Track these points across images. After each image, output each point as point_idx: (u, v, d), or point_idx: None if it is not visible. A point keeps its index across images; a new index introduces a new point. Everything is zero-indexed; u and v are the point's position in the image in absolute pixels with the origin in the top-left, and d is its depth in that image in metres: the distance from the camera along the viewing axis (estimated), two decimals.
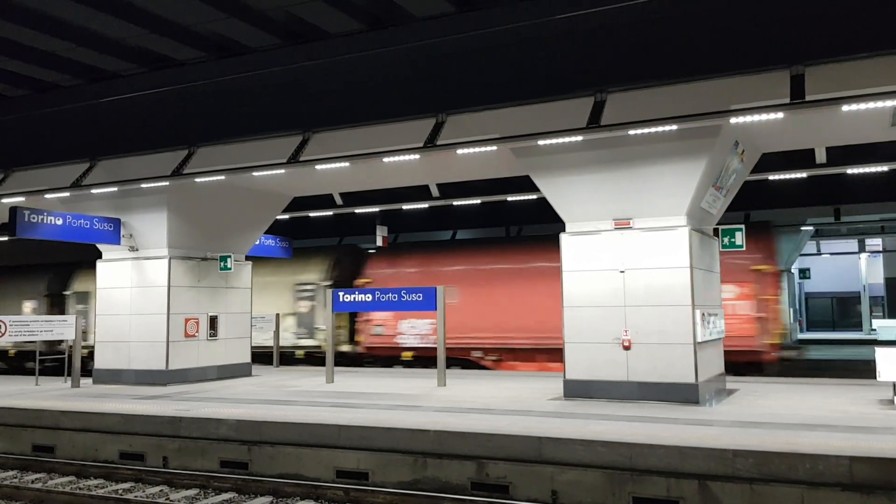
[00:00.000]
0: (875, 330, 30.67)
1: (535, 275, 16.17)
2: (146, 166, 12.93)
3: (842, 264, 36.20)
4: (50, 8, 10.19)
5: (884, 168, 13.82)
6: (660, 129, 9.10)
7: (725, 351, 14.01)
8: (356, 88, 11.22)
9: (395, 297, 12.93)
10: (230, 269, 14.44)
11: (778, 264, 15.63)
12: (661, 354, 9.91)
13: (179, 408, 10.26)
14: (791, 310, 25.28)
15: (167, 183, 12.57)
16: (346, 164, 11.00)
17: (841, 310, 38.01)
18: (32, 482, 8.98)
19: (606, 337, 10.27)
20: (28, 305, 21.20)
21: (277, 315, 17.87)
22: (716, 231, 11.18)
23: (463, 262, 17.32)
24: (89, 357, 17.61)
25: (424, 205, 18.45)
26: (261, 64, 11.68)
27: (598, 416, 8.93)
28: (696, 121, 8.98)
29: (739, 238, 10.93)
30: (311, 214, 21.37)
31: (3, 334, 13.94)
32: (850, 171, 14.24)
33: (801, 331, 35.44)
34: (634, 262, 10.20)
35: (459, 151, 10.25)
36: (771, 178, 15.51)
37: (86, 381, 14.62)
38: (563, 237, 10.75)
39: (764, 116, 8.62)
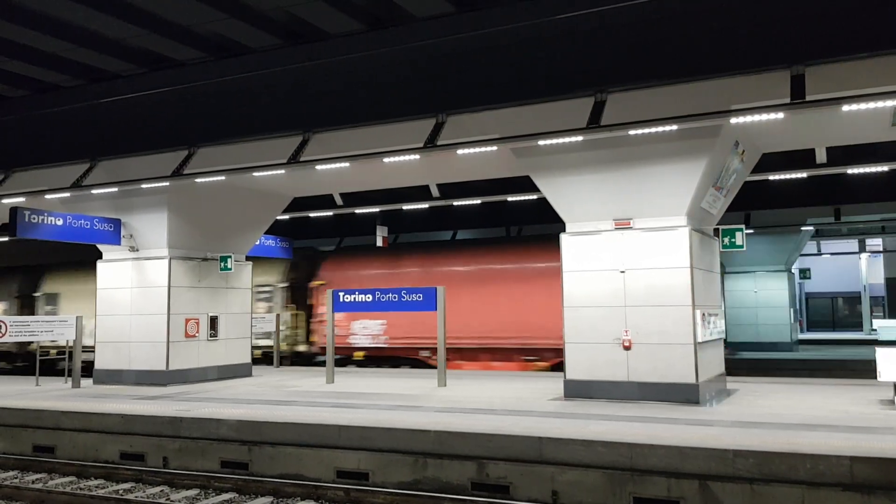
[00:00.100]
0: (875, 330, 30.66)
1: (480, 278, 16.79)
2: (146, 167, 12.93)
3: (842, 264, 36.19)
4: (50, 8, 10.19)
5: (884, 168, 13.82)
6: (660, 129, 9.10)
7: None
8: (356, 89, 11.23)
9: (395, 298, 12.93)
10: (230, 269, 14.44)
11: None
12: (662, 354, 9.91)
13: (180, 408, 10.26)
14: (791, 310, 25.32)
15: (167, 183, 12.57)
16: (347, 164, 11.00)
17: (841, 310, 38.01)
18: (33, 482, 8.98)
19: (607, 337, 10.27)
20: None
21: (277, 316, 17.88)
22: (716, 231, 11.18)
23: (411, 266, 17.99)
24: (62, 357, 17.79)
25: (425, 205, 18.46)
26: (261, 64, 11.68)
27: (599, 416, 8.92)
28: (696, 121, 8.98)
29: (740, 238, 10.93)
30: (312, 215, 21.37)
31: (3, 335, 13.95)
32: (850, 171, 14.24)
33: (802, 331, 35.44)
34: (635, 262, 10.20)
35: (460, 152, 10.25)
36: (771, 178, 15.52)
37: (86, 382, 14.62)
38: (564, 237, 10.74)
39: (764, 116, 8.62)
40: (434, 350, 16.64)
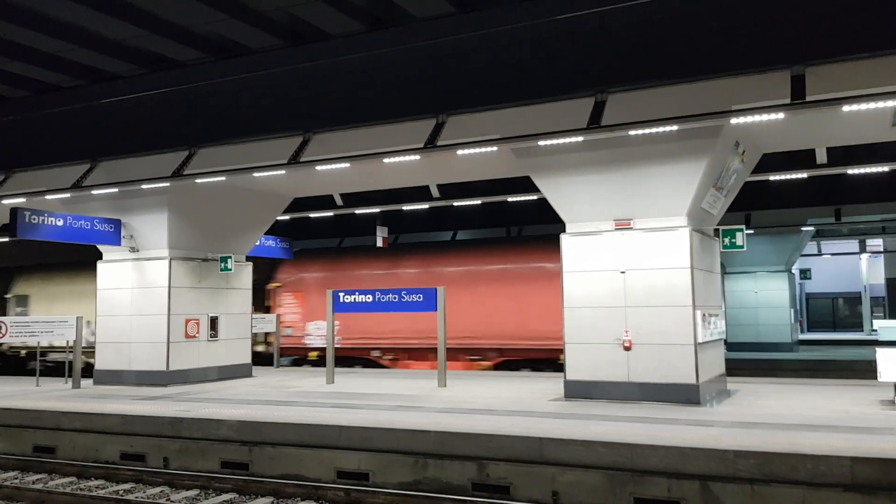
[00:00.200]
0: (876, 330, 30.64)
1: (429, 281, 17.37)
2: (147, 167, 12.93)
3: (843, 265, 36.18)
4: (51, 9, 10.19)
5: (884, 168, 13.82)
6: (660, 129, 9.09)
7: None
8: (357, 89, 11.23)
9: (395, 298, 12.93)
10: (231, 269, 14.44)
11: None
12: (662, 355, 9.90)
13: (180, 408, 10.26)
14: (791, 310, 25.31)
15: (168, 184, 12.57)
16: (347, 164, 11.00)
17: (842, 310, 37.99)
18: (33, 483, 8.98)
19: (607, 338, 10.26)
20: None
21: (278, 316, 17.89)
22: (716, 231, 11.18)
23: (363, 268, 18.64)
24: (29, 357, 17.89)
25: (425, 205, 18.47)
26: (261, 65, 11.68)
27: (599, 416, 8.92)
28: (696, 121, 8.98)
29: (740, 239, 10.93)
30: (312, 215, 21.37)
31: (3, 335, 13.95)
32: (850, 171, 14.24)
33: (802, 331, 35.42)
34: (635, 262, 10.19)
35: (460, 152, 10.25)
36: (772, 178, 15.52)
37: (86, 382, 14.62)
38: (564, 238, 10.74)
39: (765, 117, 8.62)
40: (383, 350, 17.49)
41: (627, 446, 7.27)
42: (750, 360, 21.52)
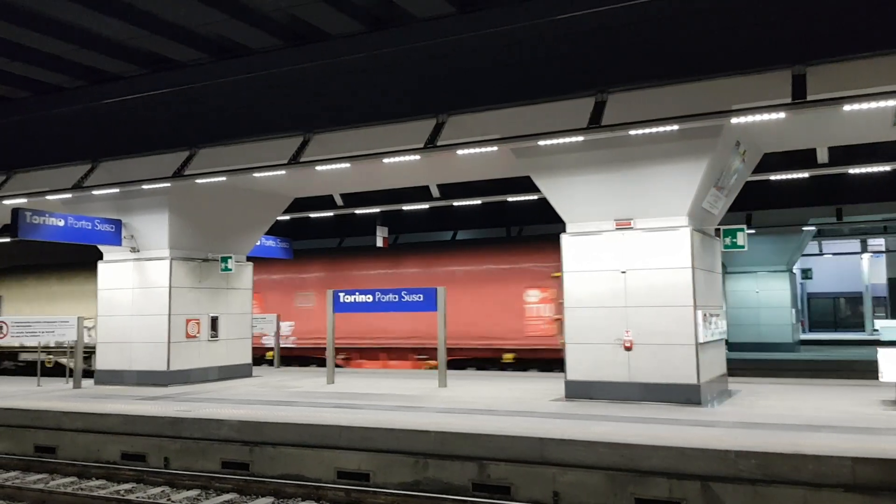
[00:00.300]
0: (877, 330, 30.60)
1: (380, 283, 17.92)
2: (148, 167, 12.93)
3: (844, 264, 36.14)
4: (51, 10, 10.20)
5: (886, 168, 13.81)
6: (661, 129, 9.08)
7: (528, 349, 15.51)
8: (357, 89, 11.23)
9: (395, 298, 12.92)
10: (231, 270, 14.45)
11: None
12: (663, 355, 9.89)
13: (181, 408, 10.26)
14: (793, 310, 25.28)
15: (168, 184, 12.58)
16: (347, 164, 11.00)
17: (843, 310, 37.95)
18: (34, 483, 8.99)
19: (608, 338, 10.25)
20: None
21: (278, 316, 17.90)
22: (717, 231, 11.17)
23: (317, 271, 19.25)
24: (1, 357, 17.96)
25: (425, 205, 18.47)
26: (262, 65, 11.68)
27: (600, 417, 8.91)
28: (697, 121, 8.97)
29: (741, 238, 10.92)
30: (312, 215, 21.37)
31: (4, 335, 13.97)
32: (852, 170, 14.23)
33: (804, 331, 35.37)
34: (636, 262, 10.18)
35: (460, 152, 10.25)
36: (773, 178, 15.50)
37: (87, 382, 14.63)
38: (564, 237, 10.73)
39: (765, 116, 8.61)
40: (338, 350, 17.91)
41: (628, 446, 7.26)
42: (751, 360, 21.49)
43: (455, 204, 19.02)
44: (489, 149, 10.22)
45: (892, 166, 13.58)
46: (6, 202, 14.05)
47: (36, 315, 15.42)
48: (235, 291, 15.08)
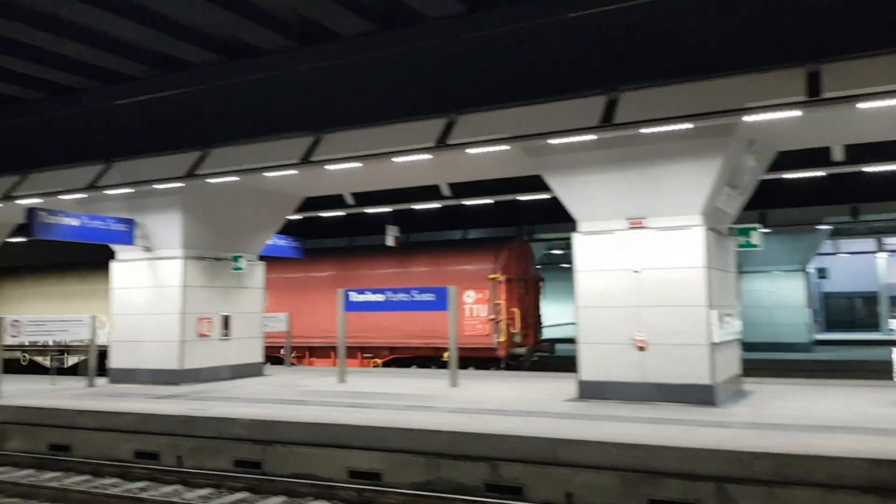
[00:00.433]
0: (893, 330, 30.23)
1: (329, 283, 18.23)
2: (160, 167, 13.01)
3: (861, 263, 35.72)
4: (65, 12, 10.28)
5: None
6: (673, 127, 9.01)
7: (466, 347, 15.66)
8: (367, 89, 11.23)
9: (406, 297, 12.92)
10: (243, 269, 14.51)
11: (519, 273, 17.40)
12: (677, 355, 9.82)
13: (193, 407, 10.32)
14: (809, 310, 25.03)
15: (181, 184, 12.65)
16: (358, 164, 11.00)
17: (860, 310, 37.51)
18: (49, 481, 9.06)
19: (621, 338, 10.19)
20: None
21: (288, 315, 17.95)
22: (731, 230, 11.07)
23: (284, 272, 19.41)
24: None
25: (436, 204, 18.47)
26: (273, 65, 11.71)
27: (613, 417, 8.86)
28: (710, 119, 8.89)
29: (755, 237, 10.81)
30: (323, 215, 21.44)
31: (18, 334, 14.08)
32: (867, 169, 14.06)
33: (820, 331, 35.00)
34: (649, 261, 10.11)
35: (470, 151, 10.22)
36: (787, 176, 15.35)
37: (101, 381, 14.75)
38: (576, 237, 10.68)
39: (779, 114, 8.52)
40: (293, 349, 18.21)
41: (642, 447, 7.21)
42: (766, 360, 21.30)
43: (466, 203, 19.01)
44: (500, 148, 10.18)
45: None
46: (21, 202, 14.19)
47: (55, 314, 15.51)
48: (247, 290, 15.14)
